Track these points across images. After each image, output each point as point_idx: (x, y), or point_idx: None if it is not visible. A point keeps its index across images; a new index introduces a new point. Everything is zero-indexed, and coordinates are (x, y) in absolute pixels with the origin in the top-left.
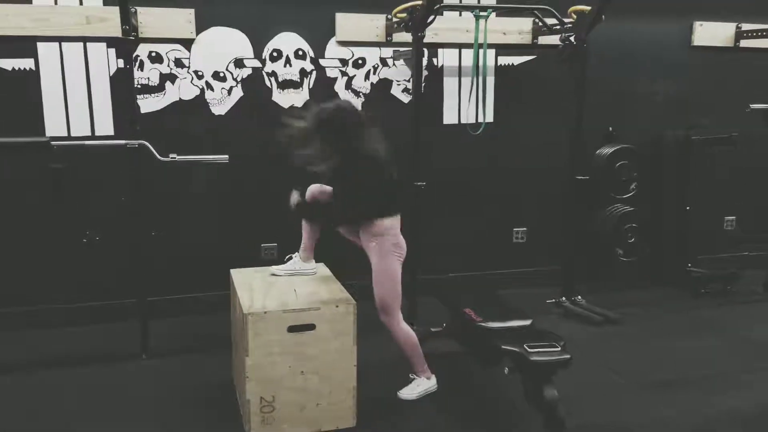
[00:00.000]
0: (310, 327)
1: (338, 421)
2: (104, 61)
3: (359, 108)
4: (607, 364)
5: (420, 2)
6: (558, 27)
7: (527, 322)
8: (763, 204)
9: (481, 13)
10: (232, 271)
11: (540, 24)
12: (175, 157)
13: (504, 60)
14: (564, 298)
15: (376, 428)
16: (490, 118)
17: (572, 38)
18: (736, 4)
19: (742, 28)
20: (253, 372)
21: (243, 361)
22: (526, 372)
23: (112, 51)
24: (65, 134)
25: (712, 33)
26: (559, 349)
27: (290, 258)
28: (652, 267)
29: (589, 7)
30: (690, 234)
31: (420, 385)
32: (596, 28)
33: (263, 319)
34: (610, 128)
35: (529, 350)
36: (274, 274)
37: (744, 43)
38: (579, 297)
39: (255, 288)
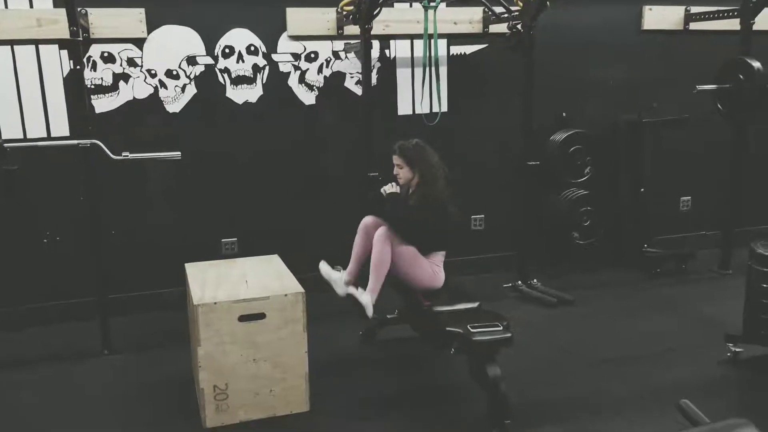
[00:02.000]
0: (261, 316)
1: (292, 406)
2: (57, 63)
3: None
4: (558, 343)
5: None
6: (506, 15)
7: (474, 305)
8: (717, 183)
9: (431, 4)
10: (186, 265)
11: (489, 12)
12: (127, 156)
13: (456, 49)
14: (520, 282)
15: (329, 412)
16: (444, 108)
17: (519, 26)
18: None
19: (691, 11)
20: (206, 361)
21: (196, 351)
22: (470, 351)
23: (65, 52)
24: (21, 136)
25: (661, 16)
26: (501, 328)
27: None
28: (609, 249)
29: None
30: (646, 215)
31: (364, 298)
32: (547, 14)
33: (213, 310)
34: (563, 113)
35: (472, 330)
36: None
37: (693, 26)
38: (535, 280)
39: (207, 280)
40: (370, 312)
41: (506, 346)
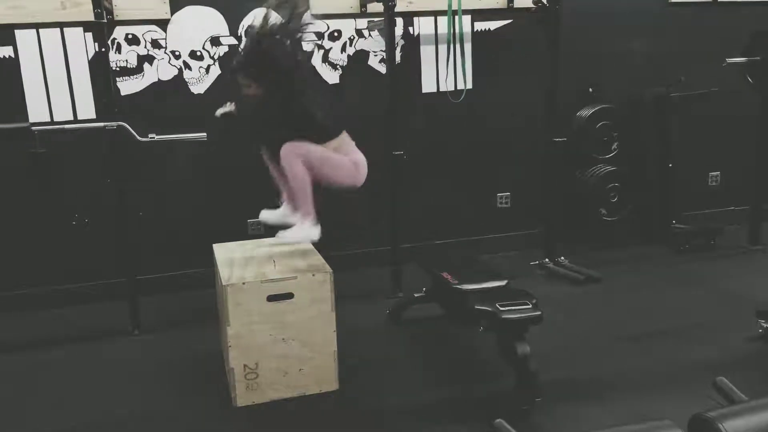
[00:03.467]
0: (289, 296)
1: (321, 384)
2: (82, 46)
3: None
4: (587, 320)
5: None
6: None
7: (502, 283)
8: (746, 158)
9: None
10: (214, 245)
11: None
12: (153, 137)
13: (480, 25)
14: (547, 260)
15: (359, 390)
16: (469, 85)
17: (544, 0)
18: None
19: None
20: (235, 341)
21: (225, 330)
22: (499, 330)
23: (90, 35)
24: (48, 119)
25: None
26: (531, 306)
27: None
28: (637, 225)
29: None
30: (674, 191)
31: (303, 230)
32: None
33: (242, 290)
34: (590, 89)
35: (501, 308)
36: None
37: None
38: (562, 258)
39: (235, 260)
40: (315, 235)
41: (536, 324)
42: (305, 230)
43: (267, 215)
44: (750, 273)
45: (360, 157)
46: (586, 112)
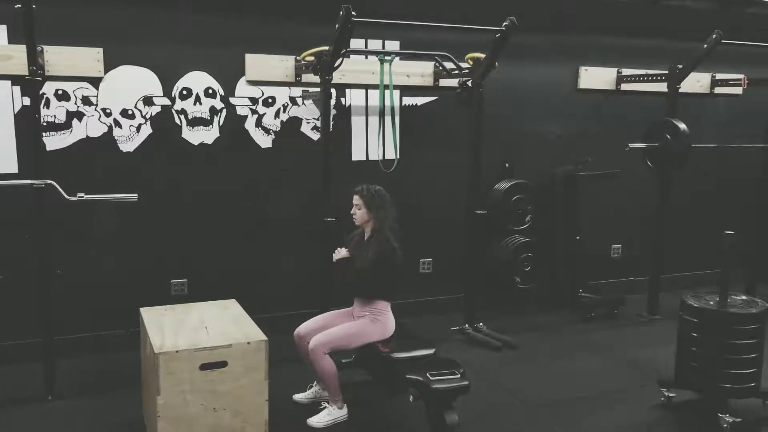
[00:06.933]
0: (222, 364)
1: None
2: (8, 99)
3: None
4: (504, 386)
5: (327, 48)
6: (456, 72)
7: (431, 351)
8: (644, 232)
9: (386, 58)
10: (141, 309)
11: (440, 68)
12: (83, 197)
13: (408, 100)
14: (467, 326)
15: None
16: (397, 155)
17: (469, 82)
18: (617, 51)
19: (623, 73)
20: (165, 411)
21: (154, 399)
22: (428, 399)
23: (17, 88)
24: None
25: (595, 77)
26: (459, 376)
27: (324, 408)
28: (548, 293)
29: (483, 55)
30: (581, 261)
31: (330, 414)
32: (493, 72)
33: (175, 358)
34: (506, 164)
35: (431, 378)
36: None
37: (624, 87)
38: (481, 324)
39: (165, 326)
40: (342, 417)
41: (463, 394)
42: (333, 414)
43: (299, 397)
44: (650, 342)
45: (388, 317)
46: (503, 186)
